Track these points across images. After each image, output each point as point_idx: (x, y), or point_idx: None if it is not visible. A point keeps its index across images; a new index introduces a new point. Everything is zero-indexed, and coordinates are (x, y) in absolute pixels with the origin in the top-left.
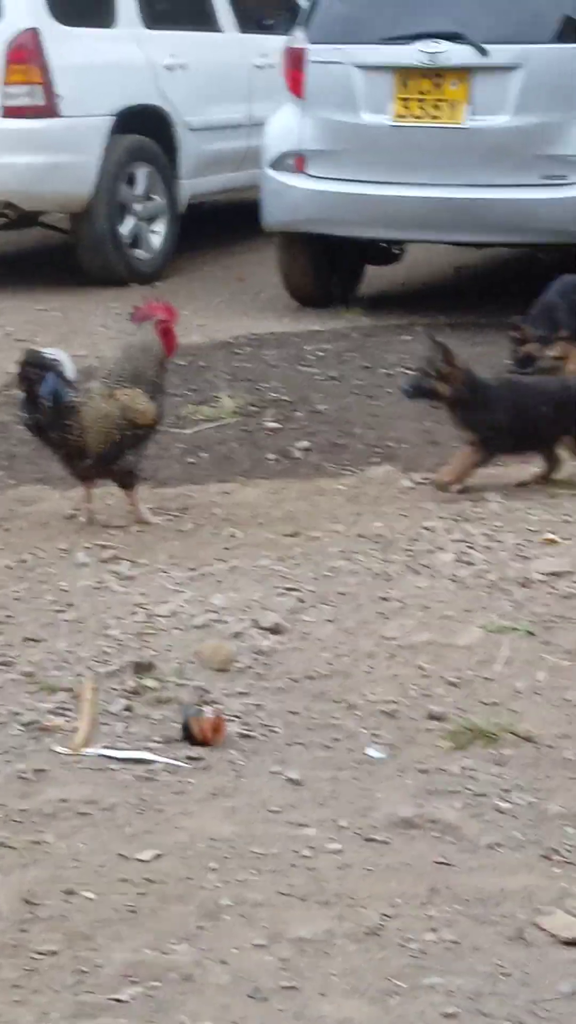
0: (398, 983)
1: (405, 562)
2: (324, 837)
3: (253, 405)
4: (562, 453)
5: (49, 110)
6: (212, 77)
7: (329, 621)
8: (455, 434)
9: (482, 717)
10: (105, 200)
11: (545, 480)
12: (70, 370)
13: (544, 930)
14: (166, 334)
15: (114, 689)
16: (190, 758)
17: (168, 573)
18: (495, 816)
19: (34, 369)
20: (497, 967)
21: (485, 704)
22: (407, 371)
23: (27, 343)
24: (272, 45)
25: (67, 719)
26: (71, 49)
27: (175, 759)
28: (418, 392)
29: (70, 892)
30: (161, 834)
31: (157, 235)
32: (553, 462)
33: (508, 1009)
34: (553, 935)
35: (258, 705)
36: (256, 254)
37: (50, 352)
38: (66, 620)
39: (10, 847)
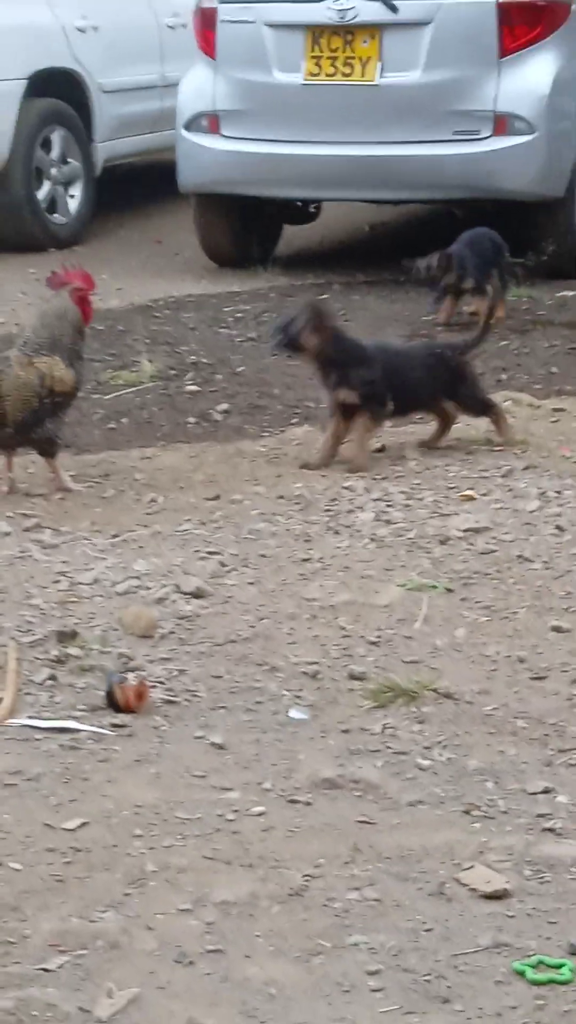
0: (322, 943)
1: (325, 523)
2: (248, 800)
3: (172, 369)
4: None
5: None
6: (124, 38)
7: (251, 584)
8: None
9: (402, 675)
10: (20, 165)
11: (438, 440)
12: None
13: (465, 885)
14: (82, 302)
15: (38, 658)
16: (114, 725)
17: (90, 540)
18: (416, 774)
19: None
20: (419, 923)
21: (405, 662)
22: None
23: None
24: (183, 4)
25: None
26: None
27: (100, 727)
28: (291, 346)
29: None
30: (86, 802)
31: (74, 199)
32: (445, 421)
33: (430, 964)
34: (473, 889)
35: (181, 670)
36: (173, 216)
37: None
38: None
39: None
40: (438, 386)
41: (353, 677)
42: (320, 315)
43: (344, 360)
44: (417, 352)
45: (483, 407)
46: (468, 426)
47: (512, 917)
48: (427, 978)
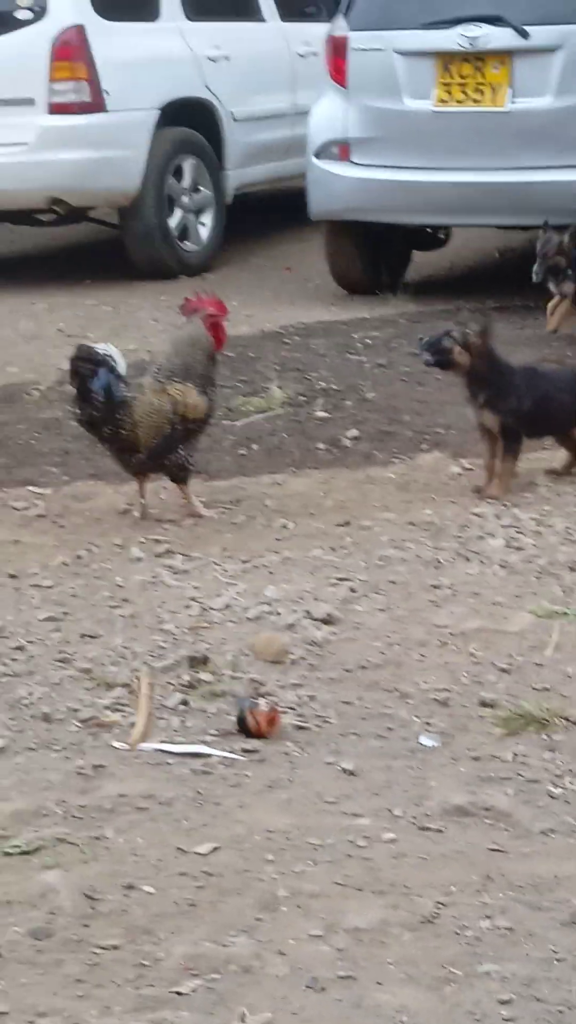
0: (453, 971)
1: (455, 549)
2: (378, 826)
3: (302, 395)
4: None
5: (96, 106)
6: (255, 67)
7: (381, 610)
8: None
9: (533, 703)
10: (153, 193)
11: (571, 468)
12: (122, 365)
13: None
14: (215, 328)
15: (170, 683)
16: (245, 751)
17: (221, 566)
18: (547, 802)
19: (86, 364)
20: (551, 953)
21: (536, 690)
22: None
23: (78, 338)
24: (314, 33)
25: (124, 714)
26: (115, 44)
27: (231, 752)
28: (441, 359)
29: (130, 887)
30: (218, 827)
31: (205, 227)
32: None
33: (562, 994)
34: None
35: (312, 696)
36: (303, 243)
37: (101, 347)
38: (122, 615)
39: (71, 843)
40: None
41: (484, 704)
42: (478, 331)
43: (493, 383)
44: (565, 375)
45: None
46: None
47: None
48: (560, 1009)
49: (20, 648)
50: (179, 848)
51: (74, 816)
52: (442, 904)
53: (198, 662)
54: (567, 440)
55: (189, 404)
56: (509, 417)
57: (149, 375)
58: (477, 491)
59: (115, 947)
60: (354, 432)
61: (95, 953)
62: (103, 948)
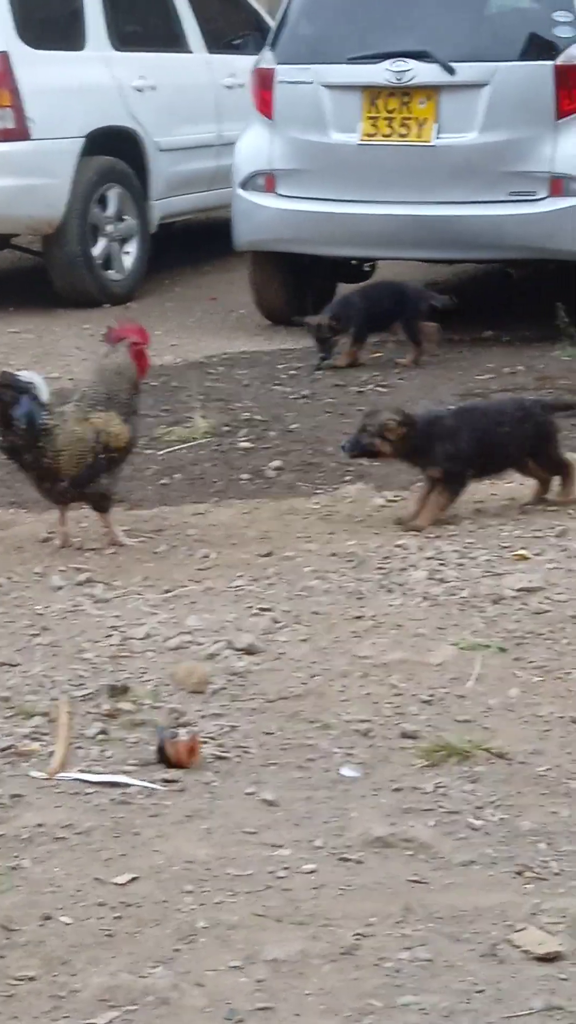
0: (373, 1002)
1: (378, 580)
2: (299, 857)
3: (226, 425)
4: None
5: (20, 133)
6: (181, 98)
7: (303, 641)
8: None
9: (455, 734)
10: (77, 222)
11: (541, 498)
12: (44, 393)
13: (517, 946)
14: (139, 356)
15: (89, 712)
16: (165, 781)
17: (143, 595)
18: (468, 833)
19: (8, 391)
20: (471, 984)
21: (458, 721)
22: (381, 388)
23: (1, 366)
24: (241, 65)
25: (43, 743)
26: (41, 72)
27: (150, 782)
28: (359, 450)
29: (47, 917)
30: (137, 857)
31: (129, 256)
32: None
33: None
34: (526, 951)
35: (233, 726)
36: (228, 274)
37: (24, 375)
38: (41, 644)
39: None
40: (525, 443)
41: (405, 735)
42: (390, 421)
43: (426, 447)
44: (506, 408)
45: (561, 466)
46: (522, 485)
47: (565, 980)
48: None
49: None
50: (97, 878)
51: None
52: (362, 935)
53: (118, 691)
54: (527, 470)
55: (112, 433)
56: (450, 464)
57: (72, 403)
58: (399, 522)
59: (31, 978)
60: (278, 463)
61: (11, 984)
62: (19, 979)
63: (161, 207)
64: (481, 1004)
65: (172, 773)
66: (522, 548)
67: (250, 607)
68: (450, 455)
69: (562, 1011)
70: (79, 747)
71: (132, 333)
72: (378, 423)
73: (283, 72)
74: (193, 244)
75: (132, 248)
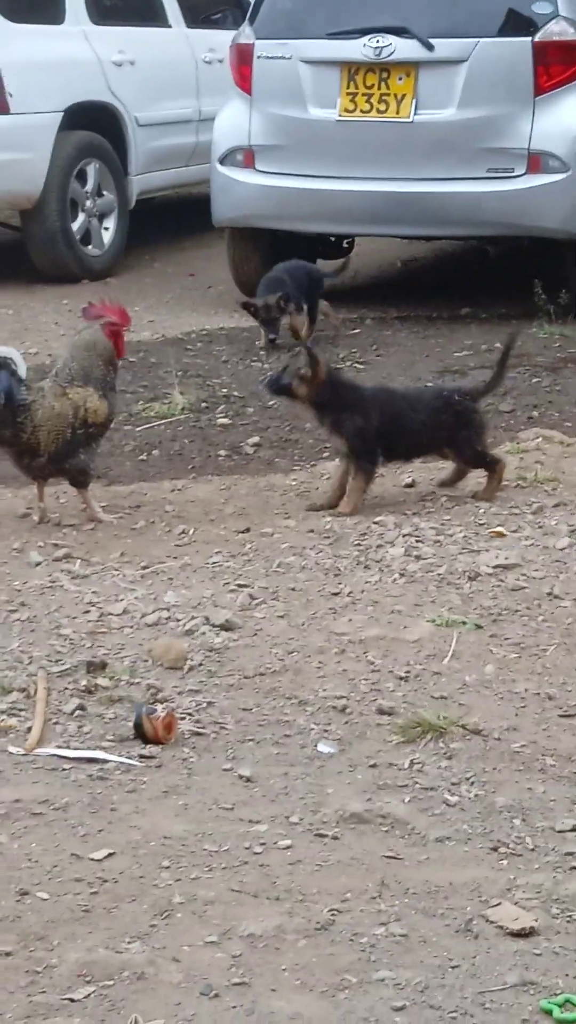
0: (348, 977)
1: (355, 557)
2: (275, 833)
3: (204, 401)
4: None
5: None
6: (160, 73)
7: (280, 617)
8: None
9: (431, 711)
10: (55, 197)
11: (455, 482)
12: (22, 368)
13: (492, 922)
14: (115, 336)
15: (67, 688)
16: (143, 756)
17: (120, 571)
18: (444, 809)
19: None
20: (446, 959)
21: (434, 698)
22: (360, 365)
23: None
24: (220, 40)
25: (20, 719)
26: (19, 46)
27: (128, 758)
28: (279, 390)
29: (24, 892)
30: (114, 833)
31: (108, 231)
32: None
33: (456, 1001)
34: (501, 927)
35: (210, 702)
36: (206, 249)
37: (2, 350)
38: (19, 619)
39: None
40: (442, 432)
41: (382, 712)
42: (310, 363)
43: (337, 406)
44: (424, 396)
45: (479, 460)
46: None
47: (539, 955)
48: (453, 1015)
49: None
50: (74, 854)
51: None
52: (337, 911)
53: (96, 667)
54: (447, 457)
55: (90, 408)
56: (355, 439)
57: (50, 379)
58: (312, 508)
59: (7, 953)
60: (256, 439)
61: None
62: None
63: (140, 182)
64: (456, 979)
65: (149, 749)
66: (499, 525)
67: (227, 583)
68: (359, 429)
69: (536, 986)
70: (56, 723)
71: (111, 313)
72: (295, 366)
73: (262, 47)
74: (172, 220)
75: (111, 223)
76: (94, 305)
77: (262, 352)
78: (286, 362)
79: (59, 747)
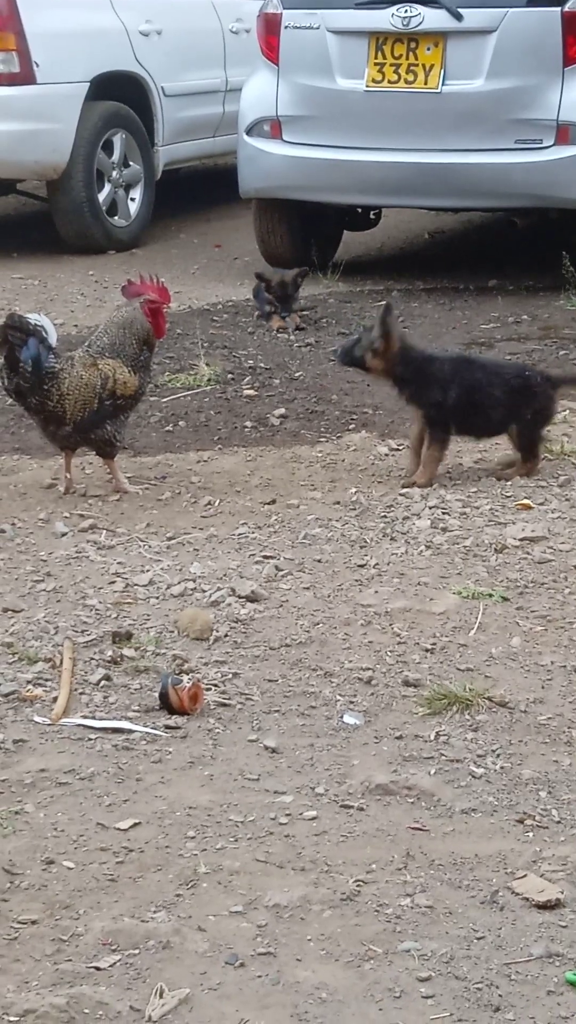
0: (373, 948)
1: (382, 529)
2: (301, 804)
3: (230, 373)
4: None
5: (25, 77)
6: (187, 42)
7: (306, 589)
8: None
9: (457, 683)
10: (82, 167)
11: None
12: (53, 336)
13: (517, 894)
14: (155, 315)
15: (93, 659)
16: (168, 727)
17: (146, 542)
18: (469, 781)
19: (16, 333)
20: (471, 931)
21: (460, 670)
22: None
23: (6, 312)
24: (247, 10)
25: (46, 689)
26: (46, 16)
27: (153, 728)
28: (350, 360)
29: (50, 861)
30: (140, 803)
31: (134, 202)
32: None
33: (481, 972)
34: (526, 898)
35: (236, 673)
36: (233, 221)
37: (33, 317)
38: (45, 590)
39: None
40: (514, 412)
41: (407, 684)
42: (382, 335)
43: (414, 377)
44: (505, 371)
45: (532, 447)
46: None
47: (565, 927)
48: (478, 986)
49: None
50: (100, 823)
51: None
52: (363, 882)
53: (121, 638)
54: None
55: (119, 380)
56: (430, 409)
57: (81, 349)
58: (406, 485)
59: (34, 922)
60: (281, 411)
61: (13, 928)
62: (22, 923)
63: (167, 153)
64: (481, 950)
65: (175, 720)
66: (525, 498)
67: (253, 555)
68: (435, 401)
69: (561, 957)
70: (82, 693)
71: (151, 291)
72: (367, 339)
73: (289, 17)
74: (198, 191)
75: (137, 194)
76: (134, 283)
77: (263, 323)
78: (359, 334)
79: (85, 717)
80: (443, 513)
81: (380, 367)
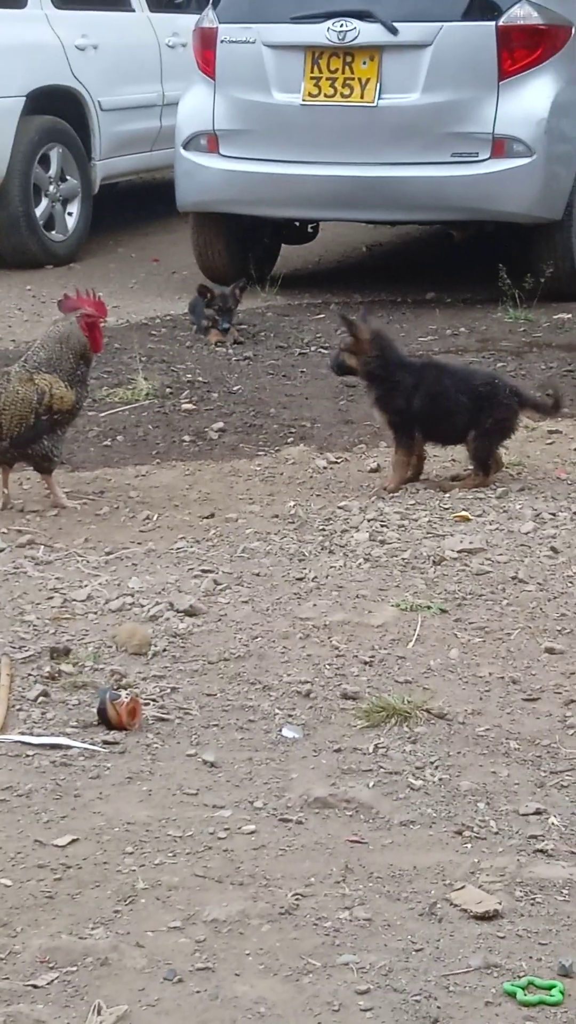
0: (312, 962)
1: (320, 542)
2: (239, 818)
3: (168, 387)
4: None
5: None
6: (124, 57)
7: (244, 602)
8: (368, 413)
9: (395, 695)
10: (19, 182)
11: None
12: None
13: (455, 905)
14: (91, 328)
15: (30, 674)
16: (106, 742)
17: (84, 557)
18: (408, 793)
19: None
20: (410, 943)
21: (398, 682)
22: (324, 350)
23: None
24: (183, 24)
25: None
26: None
27: (91, 744)
28: (338, 368)
29: None
30: (78, 819)
31: (71, 217)
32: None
33: (420, 984)
34: (464, 910)
35: (174, 688)
36: (171, 235)
37: None
38: None
39: None
40: (474, 419)
41: (346, 696)
42: (348, 330)
43: (381, 380)
44: (475, 378)
45: (485, 458)
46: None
47: (503, 938)
48: (417, 998)
49: None
50: (37, 840)
51: None
52: (301, 895)
53: (59, 653)
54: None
55: (55, 395)
56: (393, 417)
57: (18, 364)
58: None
59: None
60: (220, 424)
61: None
62: None
63: (104, 167)
64: (420, 963)
65: (113, 735)
66: (463, 510)
67: (192, 569)
68: (398, 408)
69: (499, 968)
70: (20, 709)
71: (88, 304)
72: (341, 341)
73: (225, 31)
74: (136, 205)
75: (75, 209)
76: (70, 297)
77: (200, 336)
78: (338, 339)
79: (22, 733)
80: (381, 526)
81: (359, 366)
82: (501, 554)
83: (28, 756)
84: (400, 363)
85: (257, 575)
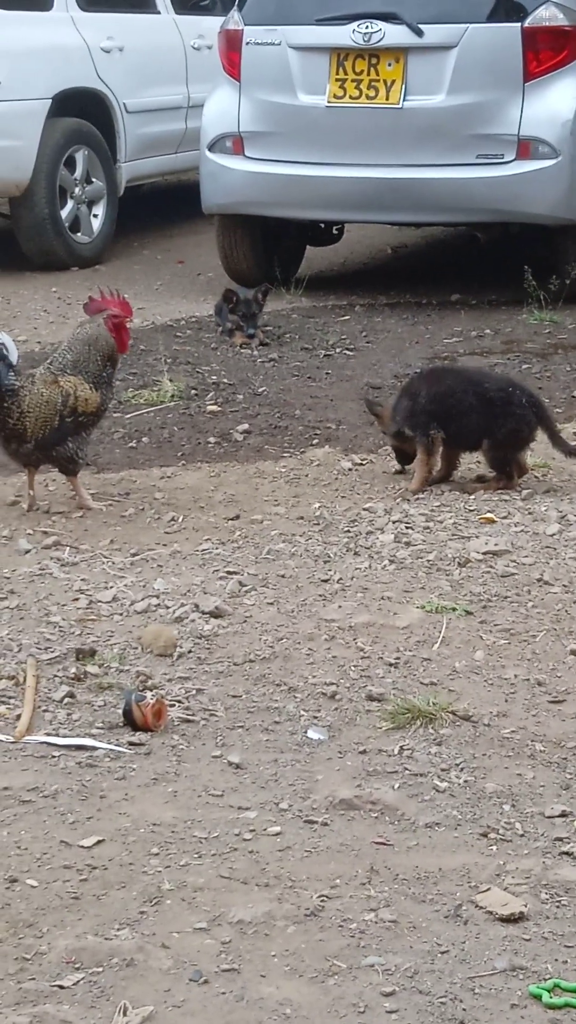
0: (337, 963)
1: (345, 543)
2: (265, 820)
3: (193, 388)
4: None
5: None
6: (149, 59)
7: (270, 604)
8: None
9: (421, 697)
10: (44, 184)
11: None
12: (14, 354)
13: (481, 907)
14: (118, 329)
15: (56, 676)
16: (132, 744)
17: (110, 558)
18: (433, 795)
19: None
20: (435, 945)
21: (424, 684)
22: (349, 352)
23: None
24: (208, 26)
25: (9, 707)
26: (7, 33)
27: (117, 745)
28: (401, 459)
29: (13, 880)
30: (103, 820)
31: (97, 219)
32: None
33: (445, 986)
34: (490, 912)
35: (199, 689)
36: (196, 236)
37: None
38: (8, 607)
39: None
40: (488, 425)
41: (371, 698)
42: (375, 414)
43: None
44: (491, 383)
45: (504, 465)
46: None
47: (528, 940)
48: (442, 1000)
49: None
50: (63, 841)
51: None
52: (327, 897)
53: (85, 655)
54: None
55: (80, 397)
56: (411, 421)
57: (43, 366)
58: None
59: None
60: (245, 426)
61: None
62: None
63: (129, 169)
64: (445, 964)
65: (138, 736)
66: (489, 511)
67: (217, 570)
68: (409, 412)
69: (525, 971)
70: (46, 710)
71: (113, 305)
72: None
73: (251, 33)
74: (161, 207)
75: (100, 211)
76: (95, 299)
77: (225, 338)
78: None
79: (48, 735)
80: (407, 527)
81: (388, 427)
82: (526, 556)
83: (54, 757)
84: (421, 400)
85: (282, 577)
